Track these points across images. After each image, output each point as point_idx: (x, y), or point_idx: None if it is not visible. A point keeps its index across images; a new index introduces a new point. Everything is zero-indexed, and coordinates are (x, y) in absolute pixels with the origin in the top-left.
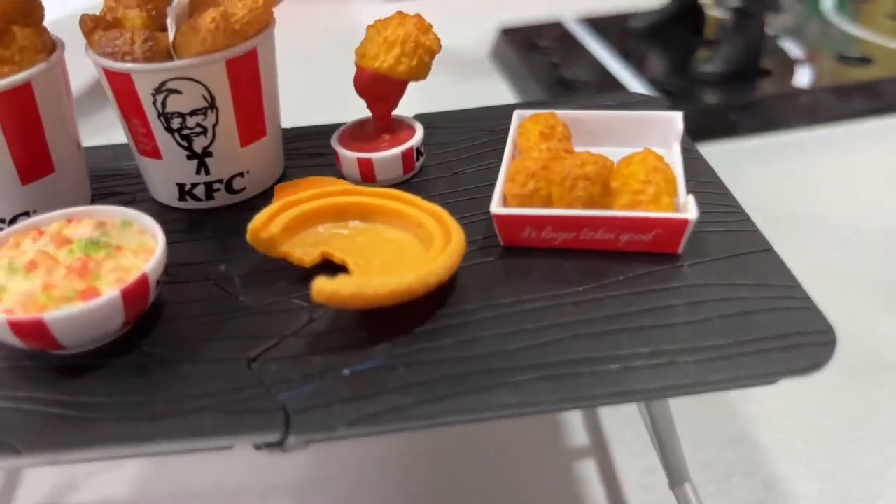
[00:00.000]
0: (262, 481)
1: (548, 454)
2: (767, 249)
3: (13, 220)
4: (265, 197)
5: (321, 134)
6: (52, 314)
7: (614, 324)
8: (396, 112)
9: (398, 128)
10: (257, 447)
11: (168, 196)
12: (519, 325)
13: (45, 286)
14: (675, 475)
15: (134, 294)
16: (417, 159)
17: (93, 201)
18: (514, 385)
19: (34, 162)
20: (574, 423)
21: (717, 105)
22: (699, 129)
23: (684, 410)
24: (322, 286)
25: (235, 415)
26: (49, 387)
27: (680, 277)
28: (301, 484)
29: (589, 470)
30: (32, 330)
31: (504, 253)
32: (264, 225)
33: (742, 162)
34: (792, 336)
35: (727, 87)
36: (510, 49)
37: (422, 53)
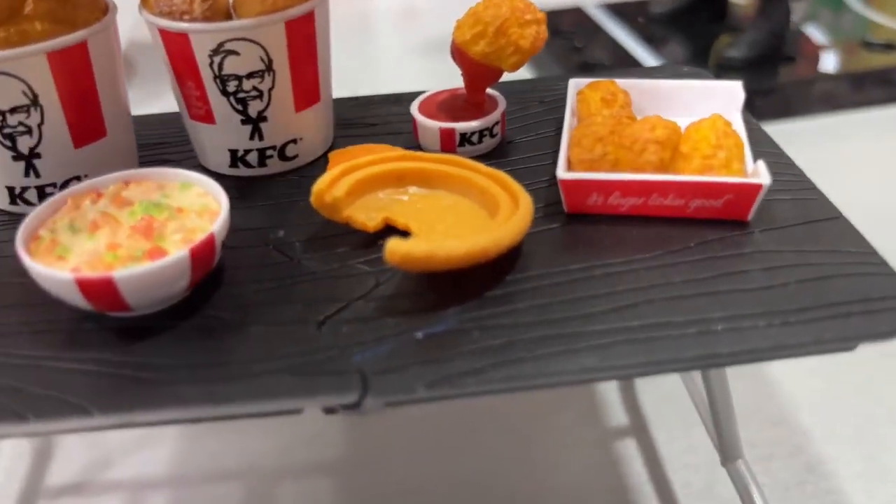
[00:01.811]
0: (298, 462)
1: (586, 432)
2: (837, 217)
3: (64, 185)
4: (317, 165)
5: (369, 104)
6: (122, 272)
7: (689, 289)
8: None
9: (489, 104)
10: (329, 410)
11: (219, 163)
12: (591, 290)
13: (110, 245)
14: (729, 452)
15: (202, 254)
16: (461, 144)
17: None
18: (595, 348)
19: (87, 125)
20: (612, 401)
21: None
22: None
23: None
24: (396, 246)
25: (310, 376)
26: (113, 349)
27: (752, 244)
28: (336, 465)
29: (630, 448)
30: (101, 289)
31: (568, 220)
32: (328, 188)
33: None
34: (872, 301)
35: (751, 72)
36: None
37: (504, 44)
